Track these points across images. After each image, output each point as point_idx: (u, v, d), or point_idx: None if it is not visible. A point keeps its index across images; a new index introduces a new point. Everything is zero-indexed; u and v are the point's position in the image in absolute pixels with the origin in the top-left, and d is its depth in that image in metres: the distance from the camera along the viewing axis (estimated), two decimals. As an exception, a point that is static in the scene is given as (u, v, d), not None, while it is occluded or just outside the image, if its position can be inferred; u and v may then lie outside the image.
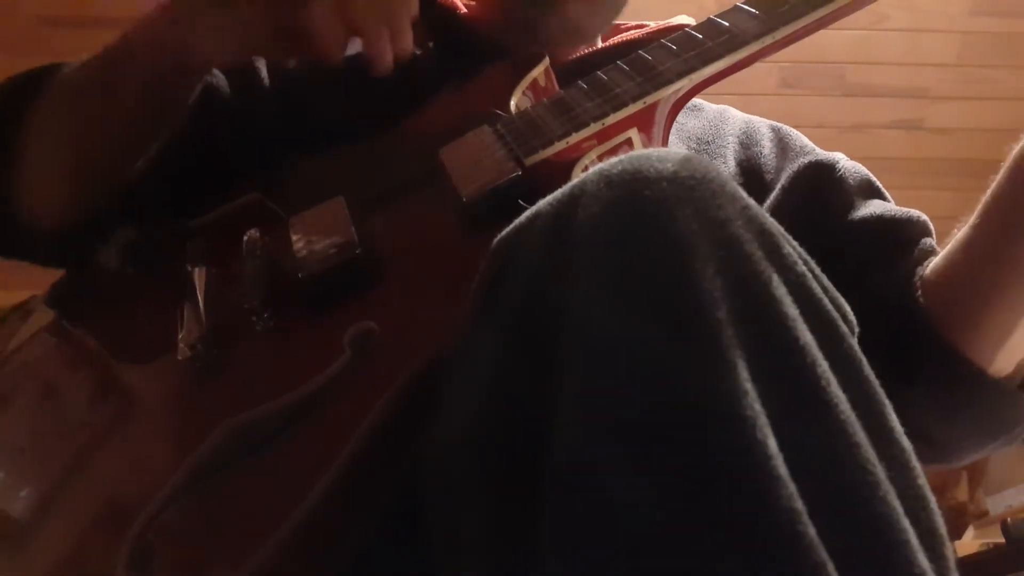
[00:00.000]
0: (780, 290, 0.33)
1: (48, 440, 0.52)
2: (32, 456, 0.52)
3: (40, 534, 0.47)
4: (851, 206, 0.63)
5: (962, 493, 2.44)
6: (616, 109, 0.53)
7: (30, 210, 0.61)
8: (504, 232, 0.39)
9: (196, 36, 0.54)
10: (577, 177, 0.50)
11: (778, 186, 0.68)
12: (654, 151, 0.37)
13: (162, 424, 0.50)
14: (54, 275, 0.63)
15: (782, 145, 0.73)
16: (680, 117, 0.75)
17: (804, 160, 0.69)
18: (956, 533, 2.38)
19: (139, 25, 0.57)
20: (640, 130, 0.54)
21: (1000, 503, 2.37)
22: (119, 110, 0.58)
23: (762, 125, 0.76)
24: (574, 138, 0.53)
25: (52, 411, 0.54)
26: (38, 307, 0.60)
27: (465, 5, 0.74)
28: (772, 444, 0.30)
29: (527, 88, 0.61)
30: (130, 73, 0.57)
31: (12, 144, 0.60)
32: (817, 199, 0.66)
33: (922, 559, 0.31)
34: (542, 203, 0.38)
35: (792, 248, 0.36)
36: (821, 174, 0.67)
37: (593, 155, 0.52)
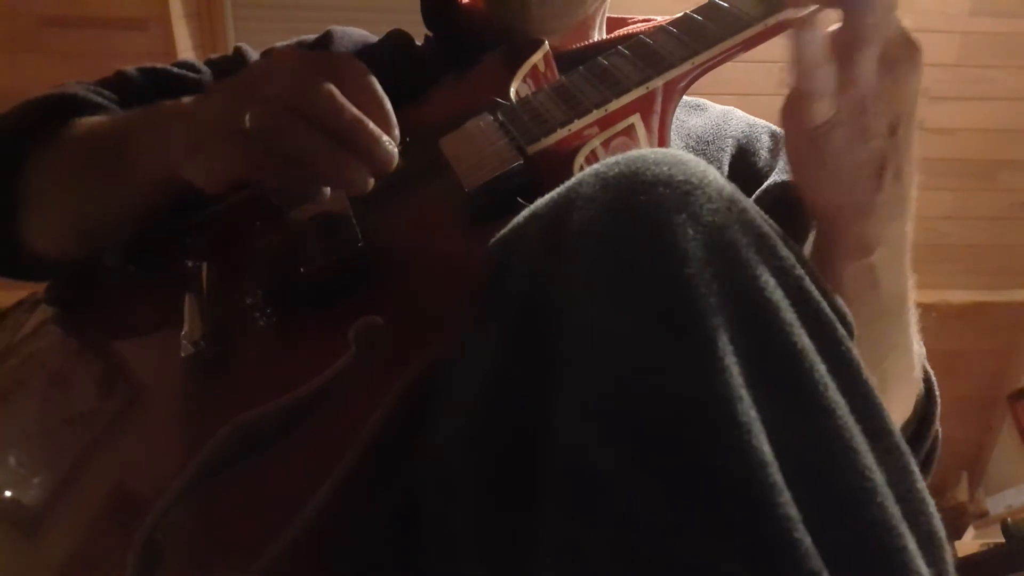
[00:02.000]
0: (777, 294, 0.33)
1: (58, 428, 0.52)
2: (43, 444, 0.52)
3: (52, 522, 0.47)
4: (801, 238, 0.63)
5: (962, 493, 2.45)
6: (618, 95, 0.52)
7: (34, 242, 0.61)
8: (500, 233, 0.39)
9: (182, 166, 0.51)
10: (579, 165, 0.50)
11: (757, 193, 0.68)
12: (650, 152, 0.36)
13: (167, 421, 0.50)
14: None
15: (778, 151, 0.73)
16: (682, 115, 0.75)
17: (780, 177, 0.69)
18: (956, 533, 2.38)
19: (147, 123, 0.56)
20: (642, 116, 0.54)
21: (1000, 503, 2.37)
22: (116, 192, 0.58)
23: (763, 130, 0.76)
24: (576, 125, 0.52)
25: (60, 399, 0.54)
26: (40, 300, 0.60)
27: None
28: (767, 450, 0.30)
29: (527, 75, 0.61)
30: (130, 168, 0.56)
31: (18, 173, 0.60)
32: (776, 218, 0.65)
33: (920, 564, 0.30)
34: (538, 204, 0.38)
35: (790, 251, 0.36)
36: (785, 195, 0.67)
37: (596, 142, 0.52)
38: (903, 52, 0.46)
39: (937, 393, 0.61)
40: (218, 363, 0.50)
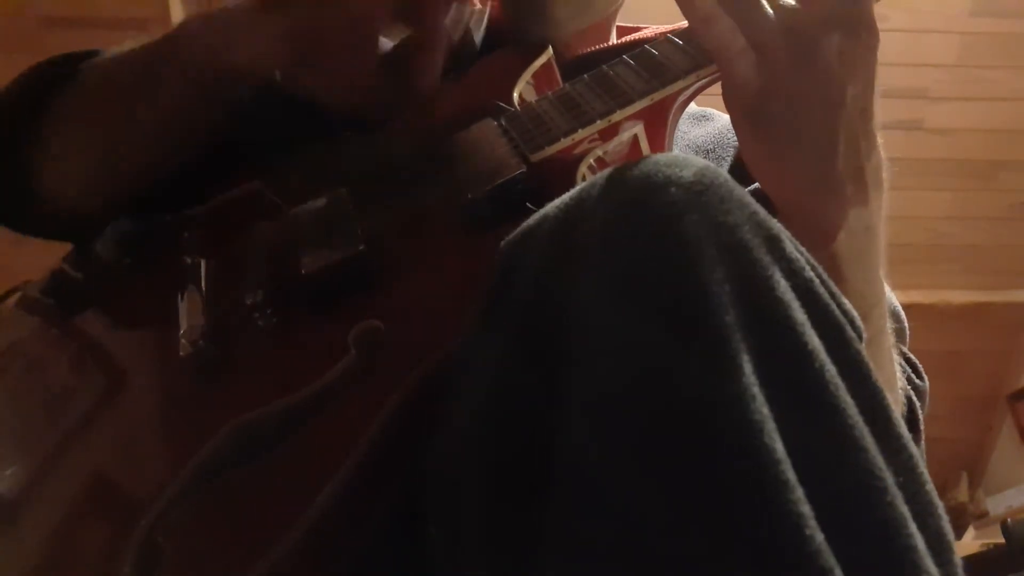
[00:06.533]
0: (788, 295, 0.33)
1: (34, 418, 0.52)
2: (18, 434, 0.51)
3: (28, 514, 0.47)
4: None
5: (962, 493, 2.45)
6: (623, 106, 0.52)
7: (51, 191, 0.60)
8: (511, 235, 0.39)
9: (241, 42, 0.53)
10: (582, 174, 0.50)
11: None
12: (662, 156, 0.37)
13: (164, 420, 0.50)
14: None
15: None
16: (686, 126, 0.75)
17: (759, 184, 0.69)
18: (956, 533, 2.38)
19: (186, 25, 0.57)
20: (645, 127, 0.54)
21: (1000, 503, 2.37)
22: (157, 108, 0.57)
23: None
24: (580, 135, 0.52)
25: (37, 386, 0.54)
26: (33, 293, 0.59)
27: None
28: (780, 448, 0.30)
29: (530, 79, 0.61)
30: (173, 71, 0.56)
31: (39, 125, 0.59)
32: None
33: (930, 564, 0.30)
34: (550, 206, 0.38)
35: (799, 253, 0.36)
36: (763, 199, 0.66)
37: (598, 152, 0.52)
38: (851, 19, 0.46)
39: (922, 426, 0.59)
40: (217, 363, 0.50)
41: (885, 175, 0.50)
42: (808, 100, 0.46)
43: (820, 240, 0.49)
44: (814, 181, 0.48)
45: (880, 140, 0.49)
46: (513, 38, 0.65)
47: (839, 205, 0.48)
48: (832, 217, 0.48)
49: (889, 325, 0.54)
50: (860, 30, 0.46)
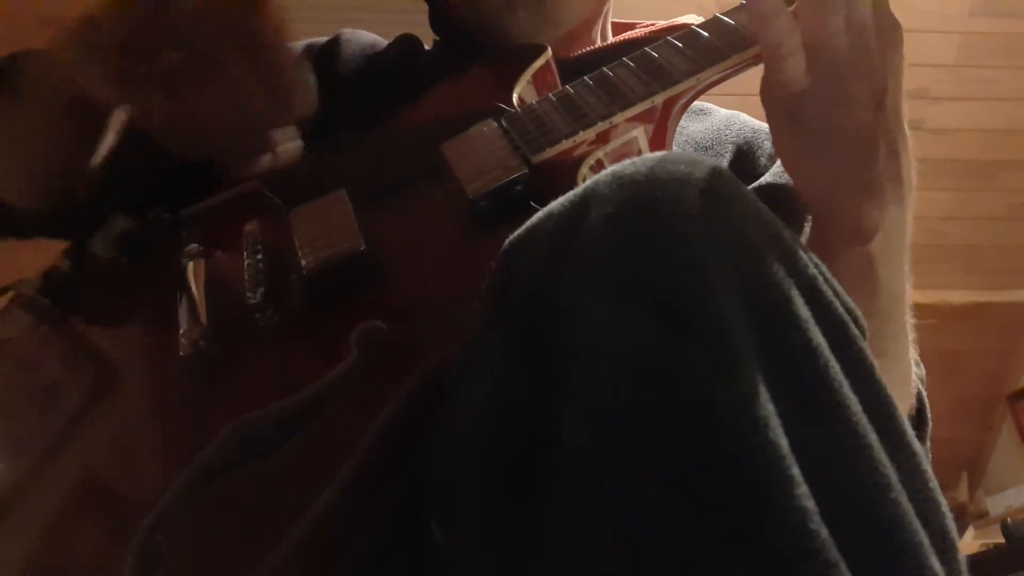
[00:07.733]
0: (792, 292, 0.33)
1: (28, 416, 0.52)
2: (12, 432, 0.51)
3: (26, 513, 0.47)
4: None
5: (962, 493, 2.45)
6: (623, 108, 0.53)
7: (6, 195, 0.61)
8: (515, 233, 0.39)
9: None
10: (582, 176, 0.51)
11: None
12: (667, 153, 0.37)
13: (163, 419, 0.50)
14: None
15: (776, 155, 0.72)
16: (684, 120, 0.75)
17: (770, 179, 0.69)
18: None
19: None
20: (645, 129, 0.54)
21: (1000, 503, 2.37)
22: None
23: (767, 135, 0.75)
24: (581, 136, 0.53)
25: (30, 384, 0.54)
26: (28, 291, 0.58)
27: None
28: (784, 444, 0.30)
29: (529, 80, 0.61)
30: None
31: None
32: None
33: (934, 561, 0.31)
34: (554, 204, 0.38)
35: (803, 251, 0.36)
36: (771, 197, 0.66)
37: (599, 154, 0.52)
38: (878, 20, 0.46)
39: (929, 415, 0.60)
40: (218, 363, 0.50)
41: (914, 172, 0.50)
42: (855, 102, 0.46)
43: (856, 239, 0.49)
44: (856, 182, 0.48)
45: (910, 138, 0.49)
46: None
47: (879, 205, 0.48)
48: (872, 217, 0.48)
49: (909, 318, 0.54)
50: (893, 29, 0.46)
